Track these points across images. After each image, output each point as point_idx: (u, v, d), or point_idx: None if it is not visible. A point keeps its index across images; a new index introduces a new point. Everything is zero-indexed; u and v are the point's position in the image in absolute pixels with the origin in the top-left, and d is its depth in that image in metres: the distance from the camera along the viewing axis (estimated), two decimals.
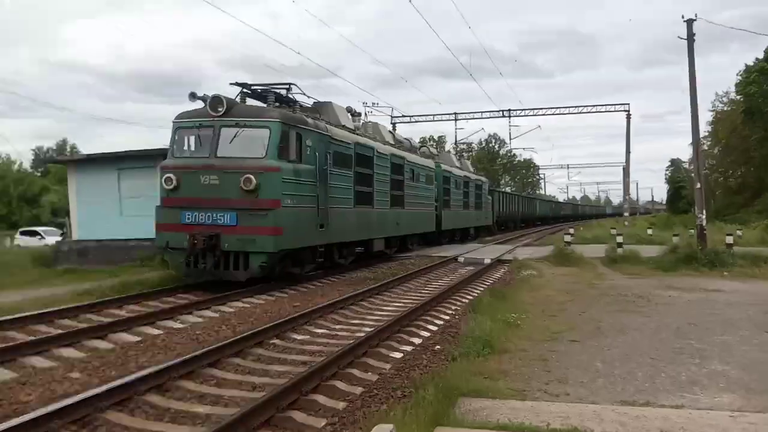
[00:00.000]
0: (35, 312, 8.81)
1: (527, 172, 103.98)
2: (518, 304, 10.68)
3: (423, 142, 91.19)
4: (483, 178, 36.41)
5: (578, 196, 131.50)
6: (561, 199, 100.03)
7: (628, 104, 44.16)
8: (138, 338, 7.71)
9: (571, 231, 25.12)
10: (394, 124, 42.58)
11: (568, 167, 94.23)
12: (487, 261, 18.48)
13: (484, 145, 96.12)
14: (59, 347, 6.92)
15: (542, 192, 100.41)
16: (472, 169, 34.84)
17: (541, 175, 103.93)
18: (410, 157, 21.12)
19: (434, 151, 33.09)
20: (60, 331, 7.80)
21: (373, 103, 41.60)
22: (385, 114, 42.39)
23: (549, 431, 4.50)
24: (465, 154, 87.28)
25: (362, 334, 7.89)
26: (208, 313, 9.45)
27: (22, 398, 5.37)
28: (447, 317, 9.84)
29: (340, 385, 5.99)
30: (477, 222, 32.91)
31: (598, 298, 11.39)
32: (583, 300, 11.15)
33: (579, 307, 10.38)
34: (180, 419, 5.08)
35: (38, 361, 6.44)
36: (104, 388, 5.28)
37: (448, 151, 41.85)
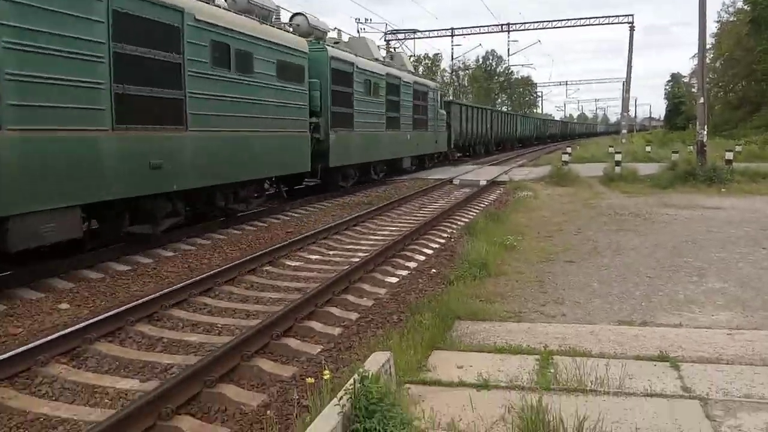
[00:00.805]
0: None
1: (525, 90, 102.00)
2: (514, 226, 10.59)
3: (418, 59, 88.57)
4: (430, 83, 25.63)
5: (575, 114, 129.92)
6: (558, 118, 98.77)
7: (632, 15, 42.50)
8: (128, 267, 7.59)
9: (569, 150, 24.78)
10: (387, 41, 41.11)
11: (566, 84, 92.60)
12: (483, 183, 18.30)
13: (481, 62, 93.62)
14: (47, 278, 6.80)
15: (539, 110, 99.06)
16: (411, 69, 24.10)
17: (539, 93, 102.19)
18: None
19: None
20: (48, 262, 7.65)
21: (366, 19, 39.84)
22: (379, 30, 40.89)
23: (546, 353, 4.44)
24: (461, 73, 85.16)
25: (357, 260, 7.79)
26: (199, 240, 9.31)
27: (11, 331, 5.28)
28: (443, 240, 9.75)
29: (335, 311, 5.93)
30: (418, 149, 22.84)
31: (594, 218, 11.29)
32: (579, 220, 11.05)
33: (575, 228, 10.29)
34: (172, 348, 5.01)
35: (27, 293, 6.33)
36: (93, 319, 5.17)
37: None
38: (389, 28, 41.73)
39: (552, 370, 4.11)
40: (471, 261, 7.64)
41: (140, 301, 5.72)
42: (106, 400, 4.06)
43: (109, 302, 6.19)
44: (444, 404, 3.61)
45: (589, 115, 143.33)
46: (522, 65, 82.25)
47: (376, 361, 3.73)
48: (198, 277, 6.63)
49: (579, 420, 3.11)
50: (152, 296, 5.91)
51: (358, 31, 39.66)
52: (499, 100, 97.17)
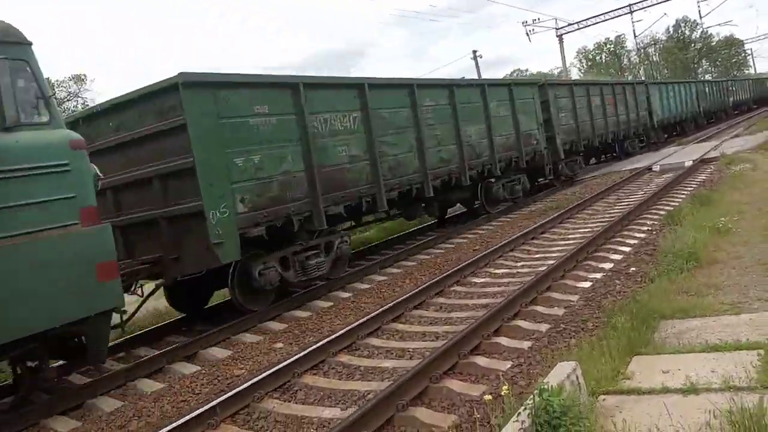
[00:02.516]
0: None
1: (730, 52, 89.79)
2: (728, 206, 9.31)
3: (599, 47, 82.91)
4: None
5: None
6: None
7: None
8: (331, 303, 8.18)
9: None
10: (560, 36, 39.44)
11: None
12: (688, 164, 16.40)
13: (672, 33, 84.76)
14: (265, 321, 7.61)
15: (750, 71, 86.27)
16: None
17: (748, 51, 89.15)
18: None
19: None
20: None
21: (534, 20, 38.74)
22: (549, 28, 39.48)
23: None
24: (650, 50, 78.08)
25: (544, 268, 7.46)
26: (390, 270, 9.70)
27: (235, 372, 6.00)
28: (642, 235, 8.91)
29: (523, 324, 5.73)
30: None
31: None
32: None
33: None
34: (368, 375, 5.25)
35: (248, 337, 7.15)
36: (300, 354, 5.66)
37: None
38: (559, 24, 39.90)
39: None
40: (676, 252, 6.87)
41: (339, 333, 6.12)
42: (312, 430, 4.39)
43: (316, 337, 6.71)
44: (642, 414, 3.26)
45: None
46: (720, 24, 71.92)
47: (560, 373, 3.51)
48: (389, 305, 6.90)
49: None
50: (349, 327, 6.29)
51: (527, 34, 38.80)
52: (701, 69, 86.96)
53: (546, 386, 3.10)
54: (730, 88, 43.11)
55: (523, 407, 3.07)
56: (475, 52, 39.70)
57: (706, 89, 36.77)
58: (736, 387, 3.35)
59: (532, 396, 3.10)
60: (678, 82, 32.55)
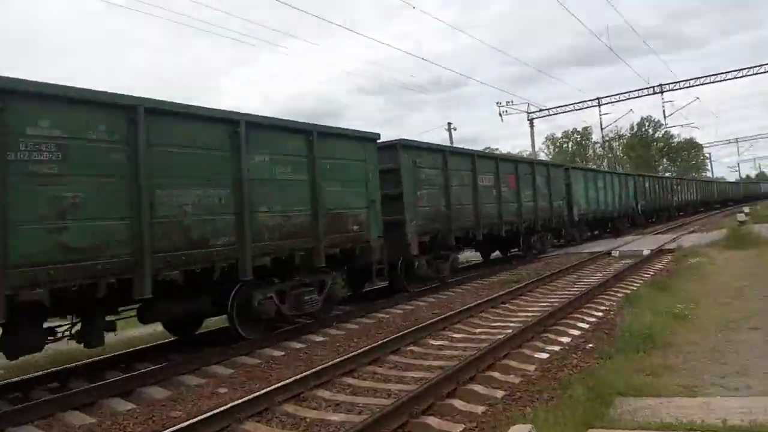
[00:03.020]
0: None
1: (689, 153, 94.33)
2: (685, 294, 9.49)
3: (566, 135, 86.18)
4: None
5: (753, 174, 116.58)
6: (734, 179, 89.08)
7: None
8: (282, 352, 7.89)
9: (746, 210, 22.16)
10: (531, 120, 40.96)
11: (737, 141, 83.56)
12: (646, 252, 16.83)
13: (636, 129, 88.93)
14: (210, 365, 7.26)
15: (708, 174, 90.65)
16: None
17: (707, 155, 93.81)
18: None
19: None
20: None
21: (508, 102, 40.21)
22: (521, 111, 40.99)
23: (727, 429, 3.74)
24: (614, 144, 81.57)
25: (501, 337, 7.38)
26: (348, 324, 9.48)
27: (171, 414, 5.64)
28: (600, 314, 8.96)
29: (478, 389, 5.59)
30: None
31: None
32: (764, 284, 9.61)
33: (760, 292, 8.94)
34: (314, 428, 5.00)
35: (191, 380, 6.79)
36: (241, 400, 5.37)
37: None
38: (531, 108, 41.55)
39: None
40: (633, 332, 6.90)
41: (286, 382, 5.86)
42: None
43: (263, 385, 6.40)
44: None
45: None
46: (682, 125, 75.53)
47: None
48: (341, 358, 6.67)
49: None
50: (297, 377, 6.03)
51: (500, 114, 40.15)
52: (661, 167, 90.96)
53: None
54: (675, 187, 39.26)
55: None
56: (450, 124, 40.90)
57: (646, 185, 32.04)
58: None
59: None
60: (612, 173, 28.17)
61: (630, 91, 40.34)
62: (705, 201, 49.74)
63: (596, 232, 26.01)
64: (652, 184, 33.53)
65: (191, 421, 4.85)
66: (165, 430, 4.83)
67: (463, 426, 4.75)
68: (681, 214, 40.83)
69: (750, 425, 3.88)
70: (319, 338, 8.62)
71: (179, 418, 5.46)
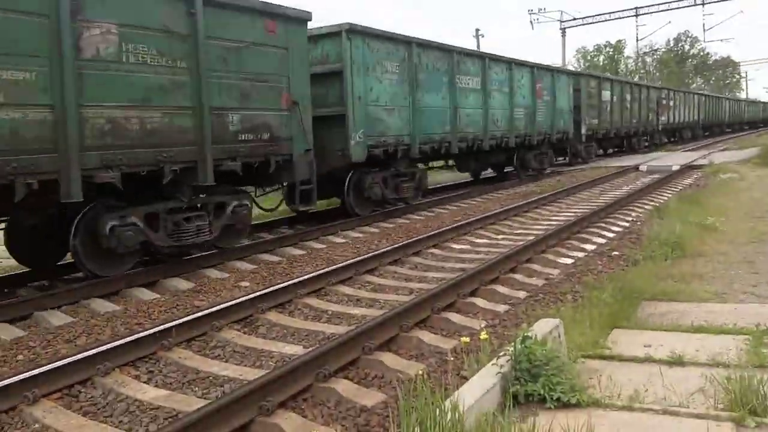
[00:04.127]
0: None
1: (724, 71, 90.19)
2: (715, 208, 9.23)
3: (598, 49, 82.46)
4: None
5: None
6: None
7: None
8: (303, 251, 7.90)
9: None
10: (563, 30, 39.07)
11: None
12: (675, 168, 16.38)
13: (672, 44, 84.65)
14: (232, 260, 7.30)
15: (742, 94, 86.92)
16: None
17: (743, 74, 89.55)
18: None
19: None
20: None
21: (540, 9, 38.24)
22: (554, 20, 39.05)
23: (760, 332, 3.63)
24: (647, 59, 78.00)
25: (523, 242, 7.27)
26: (369, 228, 9.44)
27: (195, 303, 5.71)
28: (626, 224, 8.78)
29: (501, 289, 5.54)
30: None
31: None
32: None
33: None
34: (335, 320, 5.02)
35: (213, 273, 6.85)
36: (264, 290, 5.39)
37: None
38: (565, 17, 39.46)
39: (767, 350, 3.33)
40: (662, 240, 6.74)
41: (308, 276, 5.86)
42: (271, 363, 4.14)
43: (285, 281, 6.42)
44: (626, 378, 3.06)
45: None
46: (721, 40, 71.03)
47: (543, 328, 3.30)
48: (363, 257, 6.65)
49: None
50: (320, 272, 6.03)
51: (531, 23, 38.32)
52: (694, 84, 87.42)
53: (530, 334, 2.89)
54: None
55: (502, 353, 2.85)
56: (477, 30, 39.23)
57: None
58: (724, 364, 3.18)
59: (512, 343, 2.89)
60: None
61: (669, 2, 37.86)
62: (736, 122, 47.50)
63: (610, 151, 24.23)
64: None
65: (216, 308, 4.88)
66: (188, 316, 4.87)
67: (486, 322, 4.71)
68: (707, 134, 38.99)
69: None
70: (340, 240, 8.59)
71: (203, 306, 5.52)
